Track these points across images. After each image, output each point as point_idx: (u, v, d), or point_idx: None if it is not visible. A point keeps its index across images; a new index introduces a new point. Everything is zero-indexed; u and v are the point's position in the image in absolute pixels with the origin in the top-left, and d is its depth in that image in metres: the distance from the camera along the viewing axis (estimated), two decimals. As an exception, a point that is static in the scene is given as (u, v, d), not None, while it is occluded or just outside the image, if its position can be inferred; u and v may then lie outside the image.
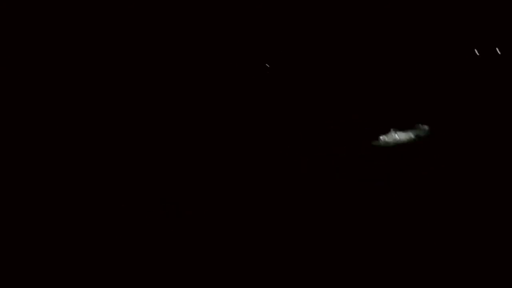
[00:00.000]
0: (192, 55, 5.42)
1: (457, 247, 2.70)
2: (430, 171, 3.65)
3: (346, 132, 4.49)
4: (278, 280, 2.59)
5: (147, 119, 5.09)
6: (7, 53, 5.02)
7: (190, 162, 4.27)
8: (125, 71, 5.43)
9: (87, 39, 5.19)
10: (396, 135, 4.30)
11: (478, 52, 4.91)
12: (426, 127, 4.40)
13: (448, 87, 5.15)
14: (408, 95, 5.11)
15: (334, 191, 3.50)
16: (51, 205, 3.66)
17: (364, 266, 2.62)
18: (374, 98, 5.16)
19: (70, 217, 3.47)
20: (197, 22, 5.06)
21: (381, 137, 4.31)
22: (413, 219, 3.04)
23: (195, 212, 3.40)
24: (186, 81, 5.52)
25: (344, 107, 5.04)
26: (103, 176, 4.10)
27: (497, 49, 4.46)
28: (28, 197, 3.80)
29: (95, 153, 4.53)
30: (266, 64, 4.46)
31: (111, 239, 3.14)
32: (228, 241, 3.00)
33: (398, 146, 4.22)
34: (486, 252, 2.61)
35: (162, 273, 2.75)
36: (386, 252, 2.72)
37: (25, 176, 4.14)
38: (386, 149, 4.19)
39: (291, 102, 5.29)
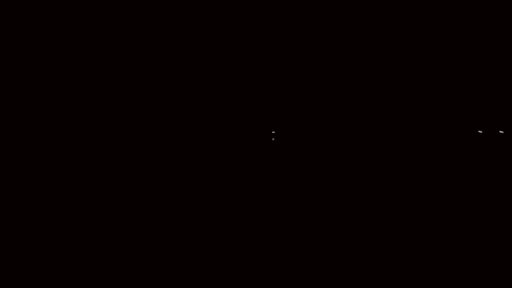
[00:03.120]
0: (192, 55, 5.42)
1: (458, 247, 2.70)
2: (430, 171, 3.65)
3: (346, 132, 4.48)
4: (278, 280, 2.59)
5: (147, 119, 5.09)
6: (7, 53, 5.03)
7: (190, 162, 4.26)
8: (125, 71, 5.42)
9: (86, 39, 5.19)
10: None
11: (478, 52, 4.91)
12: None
13: (448, 87, 5.15)
14: (408, 95, 5.10)
15: (334, 191, 3.50)
16: (50, 204, 3.66)
17: (364, 266, 2.62)
18: (374, 98, 5.15)
19: (69, 217, 3.46)
20: (197, 22, 5.07)
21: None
22: (413, 219, 3.03)
23: (195, 212, 3.40)
24: (186, 81, 5.52)
25: (344, 107, 5.04)
26: (103, 176, 4.10)
27: (495, 45, 4.46)
28: (28, 197, 3.79)
29: (95, 153, 4.52)
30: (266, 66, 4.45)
31: (111, 239, 3.13)
32: (228, 241, 3.00)
33: (398, 145, 4.22)
34: (487, 252, 2.61)
35: (162, 273, 2.74)
36: (386, 252, 2.72)
37: (25, 176, 4.14)
38: (386, 148, 4.19)
39: (290, 101, 5.28)
